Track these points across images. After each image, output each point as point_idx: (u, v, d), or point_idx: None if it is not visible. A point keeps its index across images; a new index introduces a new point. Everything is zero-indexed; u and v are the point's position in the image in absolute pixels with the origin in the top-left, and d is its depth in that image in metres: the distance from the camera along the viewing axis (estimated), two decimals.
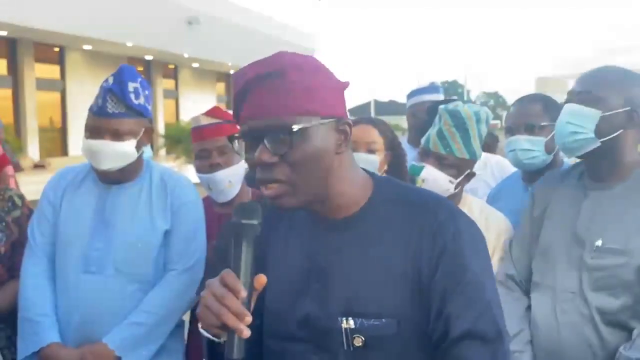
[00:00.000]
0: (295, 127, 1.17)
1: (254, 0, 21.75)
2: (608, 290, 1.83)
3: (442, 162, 2.15)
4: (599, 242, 1.85)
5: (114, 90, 2.14)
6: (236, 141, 1.28)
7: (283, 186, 1.20)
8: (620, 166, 1.90)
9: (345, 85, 1.28)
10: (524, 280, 2.05)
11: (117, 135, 2.15)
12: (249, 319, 1.09)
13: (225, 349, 1.11)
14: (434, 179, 2.14)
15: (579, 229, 1.91)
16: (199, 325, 1.17)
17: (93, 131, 2.16)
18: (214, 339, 1.15)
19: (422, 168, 2.16)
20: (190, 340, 2.50)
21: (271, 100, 1.19)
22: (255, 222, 1.14)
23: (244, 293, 1.10)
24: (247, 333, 1.09)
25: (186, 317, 2.41)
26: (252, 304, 1.15)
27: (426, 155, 2.19)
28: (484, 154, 3.28)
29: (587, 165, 1.96)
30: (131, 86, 2.17)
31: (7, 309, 2.24)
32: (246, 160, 1.27)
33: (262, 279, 1.15)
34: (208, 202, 2.51)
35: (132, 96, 2.16)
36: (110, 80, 2.18)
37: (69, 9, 13.58)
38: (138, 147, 2.21)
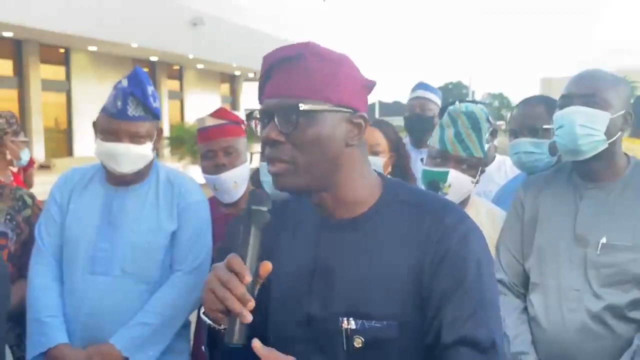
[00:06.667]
0: (302, 107, 1.18)
1: (258, 1, 21.75)
2: (618, 285, 1.86)
3: (462, 165, 2.13)
4: (603, 240, 1.88)
5: (136, 94, 2.14)
6: (253, 121, 1.29)
7: (286, 165, 1.21)
8: (614, 166, 1.95)
9: (370, 83, 1.29)
10: (515, 284, 2.07)
11: (137, 138, 2.16)
12: (252, 304, 1.09)
13: (226, 333, 1.11)
14: (459, 183, 2.12)
15: (579, 228, 1.93)
16: (201, 311, 1.17)
17: (111, 133, 2.15)
18: (215, 325, 1.16)
19: (447, 173, 2.11)
20: (196, 341, 2.52)
21: (286, 81, 1.21)
22: (264, 208, 1.15)
23: (248, 278, 1.10)
24: (249, 318, 1.09)
25: (192, 318, 2.42)
26: (256, 291, 1.15)
27: (445, 159, 2.14)
28: (499, 156, 3.29)
29: (582, 167, 1.97)
30: (150, 90, 2.18)
31: (17, 307, 2.26)
32: (262, 140, 1.29)
33: (267, 266, 1.16)
34: (214, 203, 2.52)
35: (152, 100, 2.18)
36: (125, 83, 2.17)
37: (74, 11, 13.60)
38: (153, 149, 2.23)
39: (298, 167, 1.21)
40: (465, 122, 2.13)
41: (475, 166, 2.16)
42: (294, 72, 1.21)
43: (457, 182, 2.11)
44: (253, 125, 1.30)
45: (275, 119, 1.20)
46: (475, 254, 1.20)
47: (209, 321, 1.16)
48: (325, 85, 1.21)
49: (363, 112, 1.26)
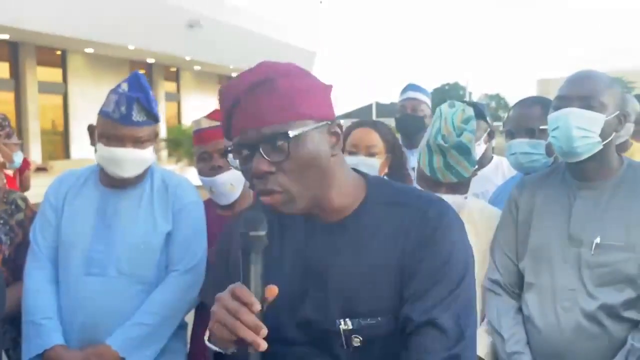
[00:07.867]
0: (292, 133, 1.15)
1: (255, 2, 21.75)
2: (611, 285, 1.87)
3: (455, 187, 2.10)
4: (597, 240, 1.89)
5: (141, 100, 2.13)
6: (230, 155, 1.25)
7: (280, 195, 1.19)
8: (608, 166, 1.96)
9: (329, 87, 1.26)
10: (510, 284, 2.07)
11: (140, 143, 2.16)
12: (264, 331, 1.09)
13: None
14: (453, 205, 2.08)
15: (573, 228, 1.94)
16: (205, 339, 1.16)
17: (116, 139, 2.14)
18: (221, 351, 1.15)
19: None
20: (193, 342, 2.51)
21: (264, 108, 1.16)
22: (262, 233, 1.13)
23: (257, 306, 1.10)
24: (264, 346, 1.08)
25: (189, 319, 2.42)
26: (263, 313, 1.14)
27: (437, 185, 2.09)
28: (496, 157, 3.28)
29: (576, 167, 1.97)
30: (151, 94, 2.18)
31: (12, 311, 2.26)
32: (242, 172, 1.26)
33: (273, 290, 1.14)
34: (210, 205, 2.52)
35: (154, 104, 2.18)
36: (126, 87, 2.15)
37: (70, 13, 13.59)
38: (153, 152, 2.25)
39: (293, 194, 1.19)
40: (454, 153, 2.06)
41: (467, 183, 2.13)
42: (268, 97, 1.16)
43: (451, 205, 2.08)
44: (231, 158, 1.25)
45: (261, 150, 1.16)
46: (456, 243, 1.23)
47: (215, 348, 1.15)
48: (303, 102, 1.18)
49: (337, 120, 1.25)
